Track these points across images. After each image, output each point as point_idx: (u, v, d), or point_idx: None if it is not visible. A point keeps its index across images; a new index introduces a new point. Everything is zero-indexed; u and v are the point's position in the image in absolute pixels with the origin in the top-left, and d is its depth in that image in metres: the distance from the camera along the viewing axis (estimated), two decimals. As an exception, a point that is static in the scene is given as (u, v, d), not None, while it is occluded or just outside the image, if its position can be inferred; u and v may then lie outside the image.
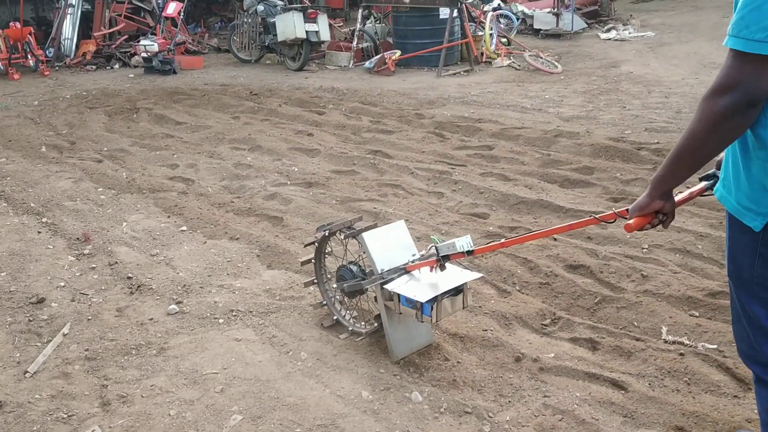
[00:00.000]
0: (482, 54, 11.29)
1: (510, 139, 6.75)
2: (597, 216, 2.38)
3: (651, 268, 3.93)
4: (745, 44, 1.63)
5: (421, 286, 3.02)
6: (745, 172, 1.84)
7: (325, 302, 3.62)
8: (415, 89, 9.49)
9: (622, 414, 2.79)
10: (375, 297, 3.16)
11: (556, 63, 10.42)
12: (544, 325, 3.51)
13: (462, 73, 10.64)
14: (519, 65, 10.75)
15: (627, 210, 2.11)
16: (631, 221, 2.01)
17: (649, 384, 2.97)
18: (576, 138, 6.55)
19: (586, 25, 13.96)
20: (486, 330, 3.42)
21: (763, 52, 1.61)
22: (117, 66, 12.43)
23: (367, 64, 11.27)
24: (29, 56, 11.84)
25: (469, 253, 2.89)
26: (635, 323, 3.46)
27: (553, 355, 3.22)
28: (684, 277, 3.77)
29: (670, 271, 3.88)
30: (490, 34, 11.36)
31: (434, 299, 2.92)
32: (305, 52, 11.28)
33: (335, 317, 3.53)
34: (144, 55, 11.58)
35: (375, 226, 3.51)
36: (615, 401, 2.86)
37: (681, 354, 3.12)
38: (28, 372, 3.20)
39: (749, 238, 1.85)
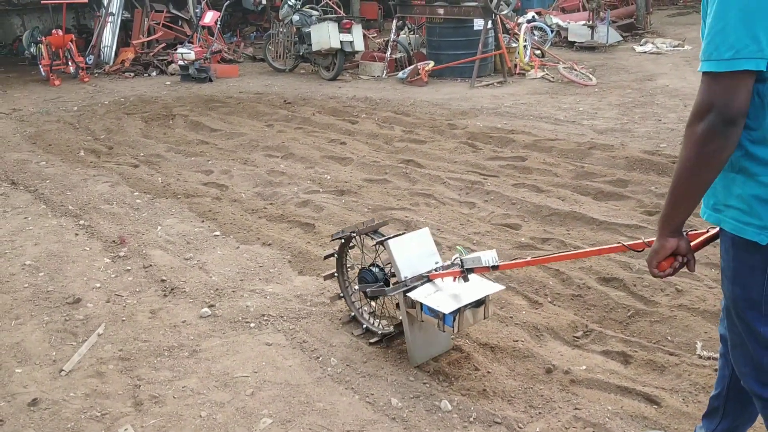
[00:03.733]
0: (516, 66, 11.27)
1: (543, 151, 6.71)
2: (626, 244, 2.36)
3: (686, 282, 3.87)
4: (716, 65, 1.66)
5: (443, 296, 3.01)
6: (741, 189, 1.81)
7: (353, 313, 3.63)
8: (448, 100, 9.50)
9: (655, 429, 2.74)
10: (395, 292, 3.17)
11: (591, 75, 10.35)
12: (576, 337, 3.48)
13: (495, 84, 10.62)
14: (553, 77, 10.70)
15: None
16: (654, 269, 1.97)
17: (683, 399, 2.92)
18: (610, 151, 6.49)
19: (622, 38, 13.85)
20: (517, 341, 3.40)
21: (733, 68, 1.64)
22: (154, 73, 12.64)
23: (400, 74, 11.31)
24: (70, 63, 12.11)
25: (494, 268, 2.89)
26: (669, 337, 3.41)
27: (584, 367, 3.19)
28: (720, 292, 3.70)
29: (705, 285, 3.83)
30: (524, 46, 11.33)
31: (457, 311, 2.92)
32: (339, 62, 11.36)
33: (364, 326, 3.54)
34: (181, 63, 11.77)
35: (386, 223, 3.56)
36: (648, 415, 2.82)
37: (716, 370, 3.06)
38: (63, 370, 3.26)
39: (758, 256, 1.81)
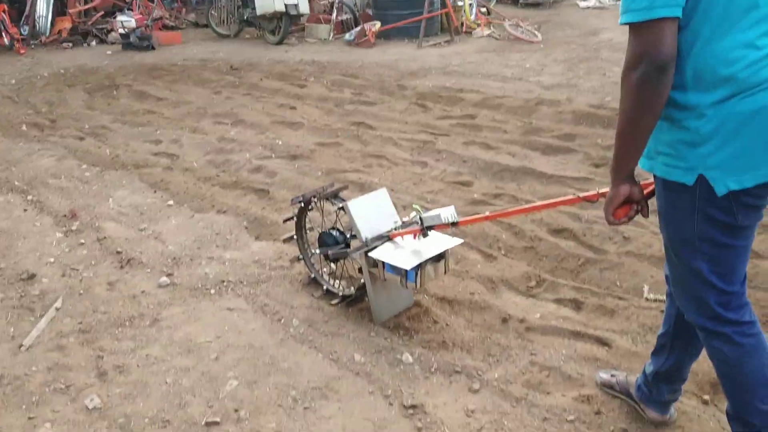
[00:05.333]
0: (462, 24, 11.28)
1: (492, 108, 6.80)
2: (580, 195, 2.45)
3: (632, 230, 4.02)
4: (634, 15, 1.76)
5: (404, 253, 3.08)
6: (668, 135, 1.92)
7: (313, 275, 3.68)
8: (396, 61, 9.49)
9: (606, 369, 2.87)
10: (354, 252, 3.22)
11: (536, 32, 10.44)
12: (530, 287, 3.60)
13: (442, 43, 10.63)
14: (499, 35, 10.76)
15: None
16: (610, 216, 2.07)
17: (632, 340, 3.07)
18: (557, 106, 6.61)
19: (565, -6, 13.97)
20: (473, 293, 3.50)
21: (650, 17, 1.74)
22: (94, 43, 12.28)
23: (347, 36, 11.22)
24: (3, 34, 11.65)
25: (454, 224, 2.96)
26: (618, 283, 3.55)
27: (538, 315, 3.31)
28: (664, 238, 3.87)
29: (651, 232, 3.98)
30: (470, 4, 11.35)
31: (418, 266, 2.99)
32: (285, 26, 11.20)
33: (325, 287, 3.60)
34: (121, 31, 11.46)
35: (346, 187, 3.61)
36: (599, 357, 2.95)
37: (662, 311, 3.21)
38: (23, 346, 3.24)
39: (686, 196, 1.93)
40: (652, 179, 2.22)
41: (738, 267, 2.03)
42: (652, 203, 2.15)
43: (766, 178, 1.85)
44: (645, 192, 2.09)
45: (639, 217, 4.12)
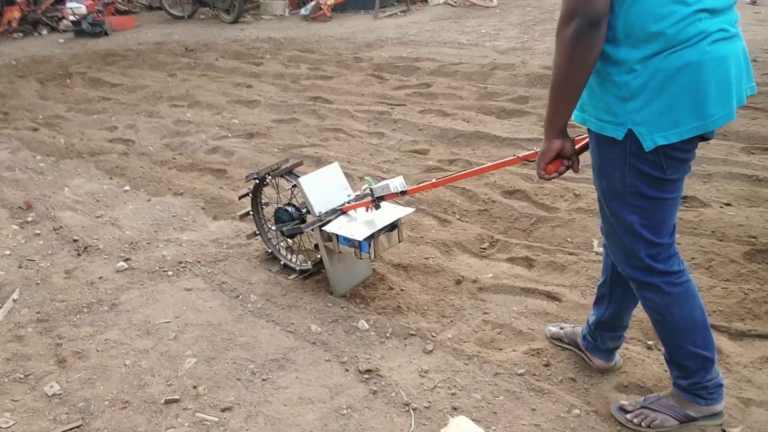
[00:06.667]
0: (418, -7, 11.26)
1: (448, 76, 6.82)
2: (520, 156, 2.49)
3: (583, 187, 4.10)
4: None
5: (358, 225, 3.12)
6: (600, 90, 1.97)
7: (270, 250, 3.70)
8: (352, 33, 9.45)
9: (556, 322, 2.95)
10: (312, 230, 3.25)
11: (492, -3, 10.45)
12: (483, 248, 3.66)
13: (399, 13, 10.59)
14: (455, 2, 10.74)
15: None
16: (541, 170, 2.10)
17: (581, 293, 3.15)
18: (511, 69, 6.65)
19: (520, -43, 13.93)
20: (428, 258, 3.56)
21: None
22: (45, 32, 12.04)
23: (302, 11, 11.13)
24: (-49, 28, 11.40)
25: (403, 193, 3.00)
26: (569, 239, 3.63)
27: (491, 275, 3.38)
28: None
29: (600, 188, 4.05)
30: (425, -28, 11.30)
31: (371, 237, 3.03)
32: (239, 4, 11.08)
33: (282, 262, 3.63)
34: (72, 18, 11.24)
35: (300, 163, 3.63)
36: (549, 311, 3.03)
37: (610, 263, 3.30)
38: (-20, 339, 3.23)
39: (617, 151, 1.98)
40: (585, 135, 2.27)
41: (667, 219, 2.09)
42: (585, 158, 2.20)
43: (691, 134, 1.90)
44: (577, 147, 2.14)
45: (590, 176, 4.21)
